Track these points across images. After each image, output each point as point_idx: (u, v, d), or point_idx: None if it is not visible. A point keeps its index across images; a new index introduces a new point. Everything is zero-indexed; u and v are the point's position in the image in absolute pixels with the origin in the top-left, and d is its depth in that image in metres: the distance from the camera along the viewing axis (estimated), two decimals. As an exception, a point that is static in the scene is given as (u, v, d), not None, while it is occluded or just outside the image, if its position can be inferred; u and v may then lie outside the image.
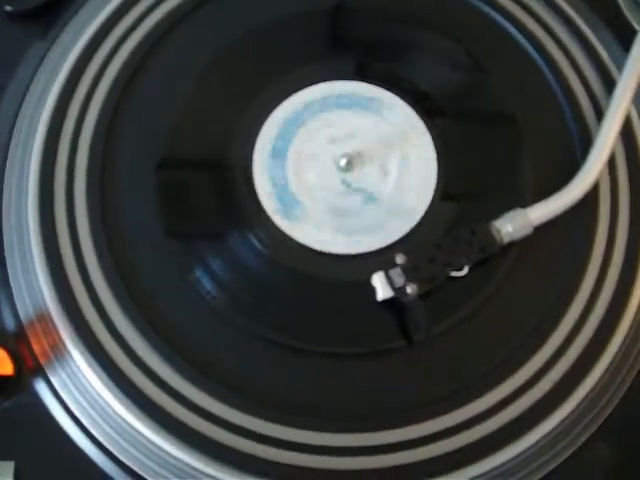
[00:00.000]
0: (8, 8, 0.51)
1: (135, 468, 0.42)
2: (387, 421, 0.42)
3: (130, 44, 0.50)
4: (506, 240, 0.45)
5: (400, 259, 0.43)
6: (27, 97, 0.49)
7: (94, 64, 0.49)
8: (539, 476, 0.43)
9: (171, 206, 0.47)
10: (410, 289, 0.43)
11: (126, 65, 0.50)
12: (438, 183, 0.47)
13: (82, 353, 0.43)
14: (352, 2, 0.51)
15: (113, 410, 0.42)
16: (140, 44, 0.50)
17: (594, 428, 0.44)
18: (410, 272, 0.43)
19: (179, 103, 0.49)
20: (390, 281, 0.43)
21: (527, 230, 0.45)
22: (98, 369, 0.43)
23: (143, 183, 0.47)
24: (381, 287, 0.43)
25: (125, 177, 0.47)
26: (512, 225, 0.45)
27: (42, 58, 0.50)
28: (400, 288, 0.43)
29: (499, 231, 0.45)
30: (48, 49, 0.50)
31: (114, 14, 0.51)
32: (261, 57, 0.50)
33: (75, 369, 0.43)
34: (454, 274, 0.44)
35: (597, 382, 0.44)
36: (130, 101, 0.49)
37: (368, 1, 0.52)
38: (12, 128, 0.49)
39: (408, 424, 0.42)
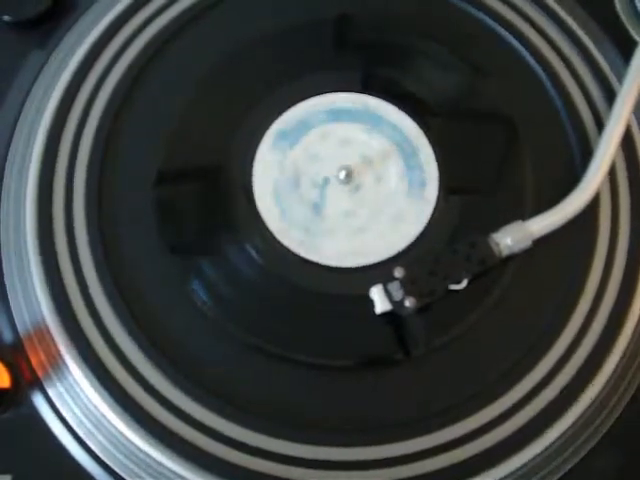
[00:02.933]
0: (7, 17, 0.51)
1: (132, 481, 0.42)
2: (384, 435, 0.42)
3: (130, 54, 0.50)
4: (505, 253, 0.44)
5: (398, 272, 0.43)
6: (26, 106, 0.49)
7: (93, 74, 0.49)
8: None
9: (169, 218, 0.47)
10: (408, 302, 0.43)
11: (125, 75, 0.50)
12: (439, 195, 0.47)
13: (79, 366, 0.43)
14: (354, 13, 0.51)
15: (110, 423, 0.42)
16: (140, 54, 0.50)
17: (596, 440, 0.44)
18: (409, 285, 0.43)
19: (178, 114, 0.49)
20: (388, 294, 0.43)
21: (526, 243, 0.45)
22: (95, 382, 0.43)
23: (141, 195, 0.47)
24: (379, 300, 0.43)
25: (123, 189, 0.47)
26: (511, 238, 0.44)
27: (41, 67, 0.50)
28: (398, 302, 0.43)
29: (498, 244, 0.44)
30: (47, 58, 0.50)
31: (113, 24, 0.51)
32: (261, 69, 0.50)
33: (72, 382, 0.43)
34: (453, 287, 0.44)
35: (598, 393, 0.44)
36: (129, 112, 0.49)
37: (371, 12, 0.51)
38: (11, 137, 0.49)
39: (405, 438, 0.42)
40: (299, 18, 0.51)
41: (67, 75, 0.49)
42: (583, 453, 0.43)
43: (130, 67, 0.50)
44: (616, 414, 0.44)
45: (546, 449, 0.43)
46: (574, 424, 0.43)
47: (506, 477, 0.42)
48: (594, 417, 0.44)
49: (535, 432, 0.43)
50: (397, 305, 0.43)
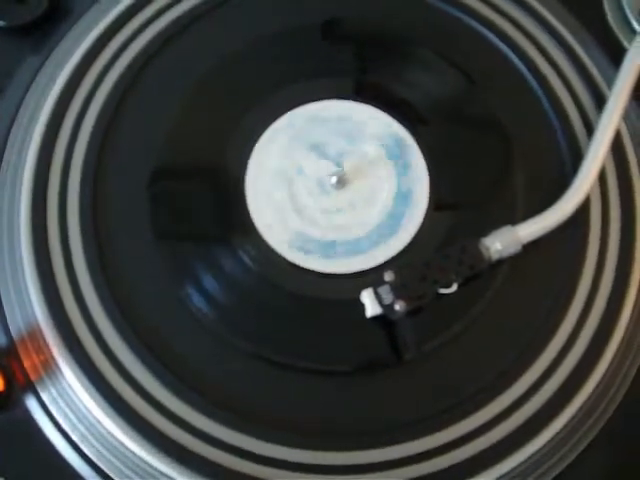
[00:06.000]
0: (1, 23, 0.51)
1: (124, 484, 0.42)
2: (374, 439, 0.42)
3: (125, 58, 0.50)
4: (495, 257, 0.45)
5: (388, 276, 0.43)
6: (20, 111, 0.49)
7: (89, 78, 0.50)
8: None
9: (163, 222, 0.47)
10: (399, 306, 0.43)
11: (121, 79, 0.50)
12: (429, 200, 0.47)
13: (73, 369, 0.43)
14: (344, 18, 0.52)
15: (103, 427, 0.42)
16: (135, 58, 0.50)
17: (588, 440, 0.44)
18: (399, 289, 0.43)
19: (173, 117, 0.49)
20: (379, 298, 0.43)
21: (516, 247, 0.45)
22: (89, 385, 0.43)
23: (135, 198, 0.47)
24: (370, 304, 0.43)
25: (118, 192, 0.47)
26: (501, 242, 0.44)
27: (35, 73, 0.50)
28: (389, 305, 0.43)
29: (488, 248, 0.44)
30: (42, 64, 0.50)
31: (109, 28, 0.51)
32: (256, 72, 0.50)
33: (66, 385, 0.43)
34: (443, 291, 0.44)
35: (589, 397, 0.44)
36: (124, 116, 0.49)
37: (360, 17, 0.52)
38: (5, 142, 0.49)
39: (399, 442, 0.42)
40: (291, 23, 0.51)
41: (62, 80, 0.49)
42: (575, 454, 0.44)
43: (125, 71, 0.50)
44: (608, 414, 0.44)
45: (539, 451, 0.43)
46: (567, 425, 0.43)
47: (500, 478, 0.42)
48: (586, 418, 0.44)
49: (528, 434, 0.43)
50: (387, 308, 0.43)
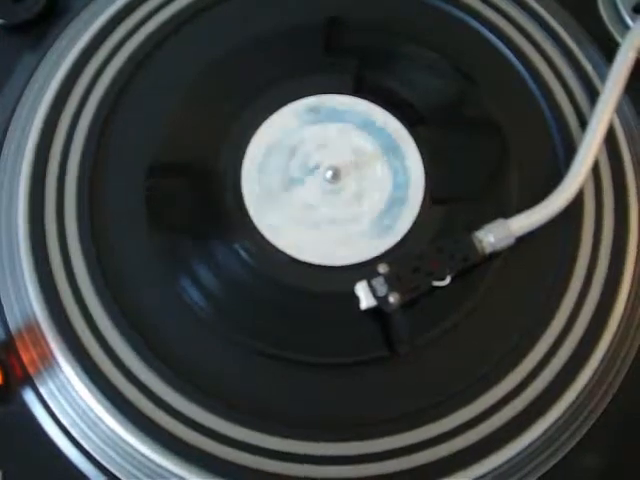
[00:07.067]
0: (0, 21, 0.51)
1: (123, 478, 0.42)
2: (367, 432, 0.43)
3: (122, 55, 0.50)
4: (488, 250, 0.45)
5: (382, 269, 0.44)
6: (18, 109, 0.50)
7: (85, 75, 0.50)
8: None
9: (159, 217, 0.47)
10: (393, 298, 0.43)
11: (118, 76, 0.50)
12: (425, 195, 0.48)
13: (70, 364, 0.43)
14: (345, 16, 0.52)
15: (101, 420, 0.43)
16: (132, 56, 0.50)
17: (578, 438, 0.44)
18: (393, 281, 0.43)
19: (170, 114, 0.49)
20: (373, 290, 0.43)
21: (509, 240, 0.45)
22: (86, 380, 0.43)
23: (132, 194, 0.47)
24: (364, 296, 0.44)
25: (114, 188, 0.48)
26: (494, 235, 0.45)
27: (33, 70, 0.51)
28: (383, 297, 0.43)
29: (481, 241, 0.45)
30: (39, 61, 0.51)
31: (105, 27, 0.51)
32: (252, 69, 0.51)
33: (63, 379, 0.43)
34: (437, 284, 0.44)
35: (581, 391, 0.44)
36: (121, 112, 0.49)
37: (360, 15, 0.52)
38: (4, 138, 0.49)
39: (388, 434, 0.43)
40: (292, 20, 0.52)
41: (60, 77, 0.50)
42: (565, 451, 0.44)
43: (122, 69, 0.50)
44: (599, 412, 0.44)
45: (529, 446, 0.43)
46: (558, 421, 0.43)
47: (489, 473, 0.42)
48: (578, 414, 0.44)
49: (519, 429, 0.43)
50: (381, 301, 0.43)
